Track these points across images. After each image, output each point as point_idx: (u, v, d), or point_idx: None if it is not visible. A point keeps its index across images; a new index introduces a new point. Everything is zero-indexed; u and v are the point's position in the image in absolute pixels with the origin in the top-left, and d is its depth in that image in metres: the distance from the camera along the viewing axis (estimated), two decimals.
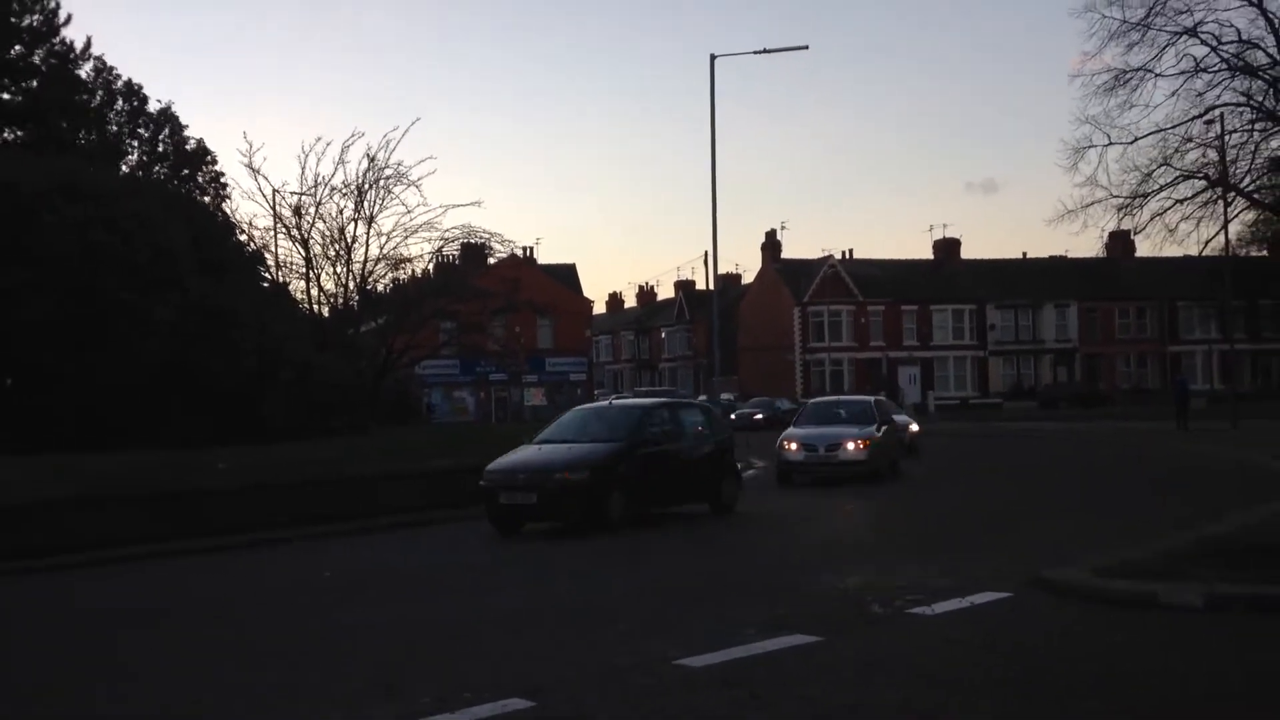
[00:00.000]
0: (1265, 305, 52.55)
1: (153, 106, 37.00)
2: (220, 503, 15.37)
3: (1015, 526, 14.03)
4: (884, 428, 22.06)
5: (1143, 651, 7.26)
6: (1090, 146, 39.32)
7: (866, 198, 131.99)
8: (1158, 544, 10.55)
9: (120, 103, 36.43)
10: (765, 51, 29.47)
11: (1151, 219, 38.98)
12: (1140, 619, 8.10)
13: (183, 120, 37.63)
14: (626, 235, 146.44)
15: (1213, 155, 37.44)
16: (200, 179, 36.65)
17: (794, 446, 21.31)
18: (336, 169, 36.22)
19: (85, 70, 35.83)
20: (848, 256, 73.26)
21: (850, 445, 20.89)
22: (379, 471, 17.74)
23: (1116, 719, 5.78)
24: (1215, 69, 37.68)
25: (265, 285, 31.80)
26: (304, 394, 26.52)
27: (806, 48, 30.82)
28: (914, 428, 29.36)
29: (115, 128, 36.40)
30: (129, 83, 36.69)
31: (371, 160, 32.12)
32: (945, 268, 73.19)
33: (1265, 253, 43.27)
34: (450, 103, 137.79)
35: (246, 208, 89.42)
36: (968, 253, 75.35)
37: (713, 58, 29.63)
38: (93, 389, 22.86)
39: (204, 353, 24.70)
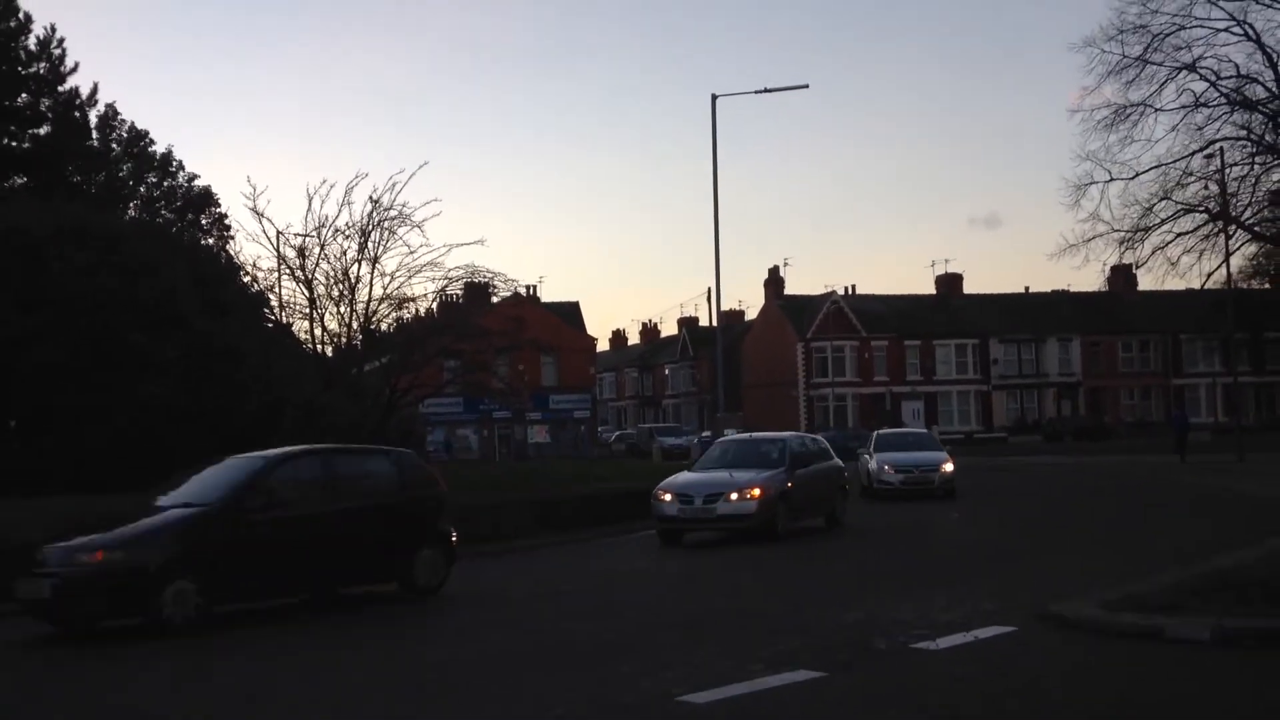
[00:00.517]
0: (1268, 338, 52.56)
1: (158, 150, 37.47)
2: None
3: (1020, 560, 14.01)
4: (802, 470, 18.34)
5: (1151, 685, 7.25)
6: (1091, 183, 39.54)
7: (869, 234, 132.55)
8: (1163, 577, 10.53)
9: (125, 148, 36.88)
10: (766, 91, 29.78)
11: (1153, 253, 39.13)
12: (1147, 652, 8.09)
13: (186, 164, 38.19)
14: (630, 273, 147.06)
15: (1213, 189, 37.66)
16: (204, 222, 36.99)
17: (668, 497, 17.47)
18: (341, 210, 36.28)
19: (93, 115, 36.32)
20: (851, 292, 73.47)
21: (734, 496, 16.98)
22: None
23: None
24: (1215, 103, 37.98)
25: (269, 325, 31.91)
26: (310, 434, 26.51)
27: (807, 86, 31.17)
28: (947, 467, 25.74)
29: (122, 173, 36.80)
30: (133, 128, 37.18)
31: (376, 203, 32.29)
32: (948, 302, 73.37)
33: (1267, 285, 43.41)
34: (454, 141, 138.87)
35: (250, 249, 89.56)
36: (970, 287, 75.57)
37: (714, 97, 29.95)
38: (99, 431, 22.92)
39: (210, 393, 24.78)
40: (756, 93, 29.80)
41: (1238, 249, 39.47)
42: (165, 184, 37.17)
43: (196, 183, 37.83)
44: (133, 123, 37.83)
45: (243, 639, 10.35)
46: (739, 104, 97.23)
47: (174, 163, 37.31)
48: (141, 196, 37.00)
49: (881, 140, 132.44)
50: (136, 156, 37.13)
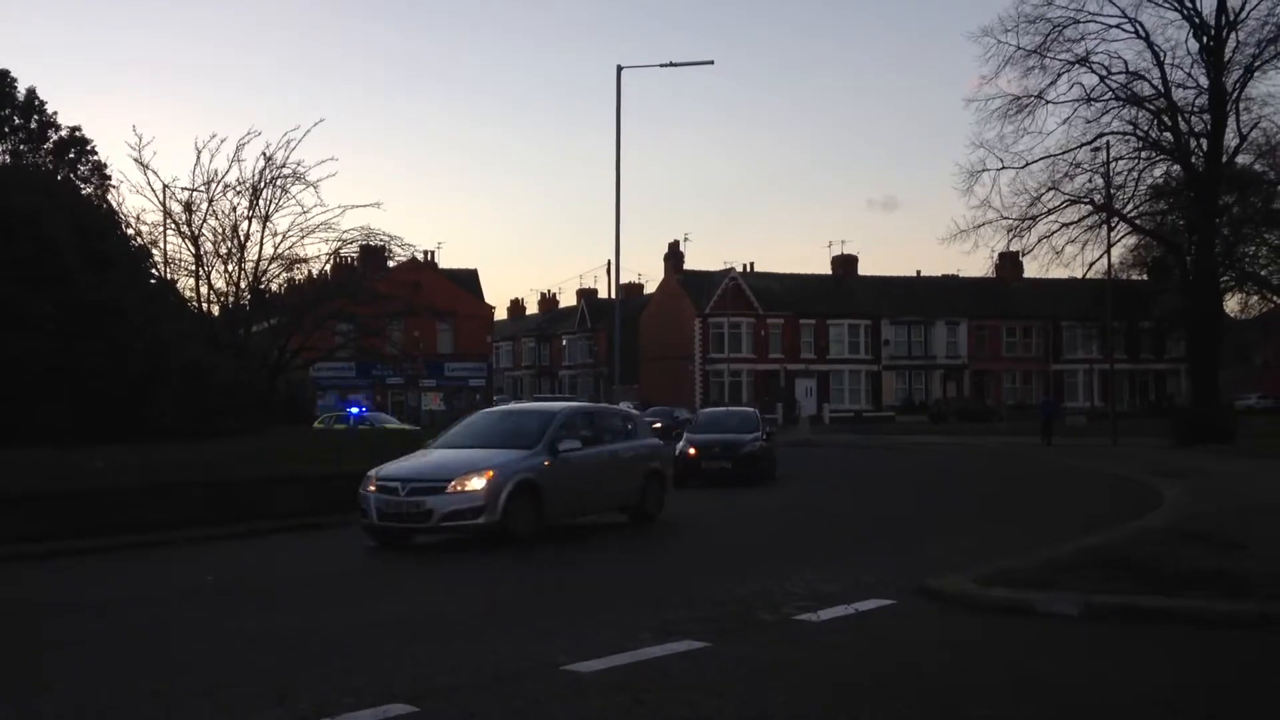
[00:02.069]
0: (1144, 327, 54.76)
1: (19, 91, 35.26)
2: (96, 504, 14.82)
3: (901, 539, 14.35)
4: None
5: (1021, 658, 7.49)
6: (984, 170, 40.68)
7: (769, 212, 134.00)
8: (1036, 554, 10.88)
9: None
10: (671, 65, 29.71)
11: (1039, 241, 40.46)
12: (1019, 626, 8.35)
13: (53, 107, 36.21)
14: (530, 243, 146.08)
15: (1099, 181, 38.99)
16: (81, 169, 35.30)
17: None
18: (231, 166, 35.37)
19: None
20: (749, 270, 74.19)
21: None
22: (265, 475, 17.28)
23: None
24: (1104, 98, 39.30)
25: (153, 281, 30.84)
26: (194, 394, 25.72)
27: (712, 63, 31.27)
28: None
29: None
30: None
31: (269, 159, 31.48)
32: (843, 283, 74.68)
33: (1145, 277, 45.12)
34: (353, 105, 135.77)
35: (134, 202, 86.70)
36: (865, 269, 77.08)
37: (619, 69, 29.78)
38: None
39: (90, 351, 23.80)
40: (662, 66, 29.73)
41: (1119, 240, 40.99)
42: (31, 125, 35.11)
43: (64, 123, 35.83)
44: (5, 70, 35.72)
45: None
46: (644, 77, 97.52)
47: (37, 102, 35.29)
48: (7, 140, 35.00)
49: (784, 120, 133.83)
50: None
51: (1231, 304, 44.24)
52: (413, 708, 6.06)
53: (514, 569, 12.12)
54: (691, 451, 23.56)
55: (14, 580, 12.07)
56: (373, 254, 37.29)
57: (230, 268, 31.93)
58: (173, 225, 31.25)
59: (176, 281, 32.15)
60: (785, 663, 7.24)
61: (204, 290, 32.02)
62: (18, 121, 35.30)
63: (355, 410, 40.97)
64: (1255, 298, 43.37)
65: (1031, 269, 56.99)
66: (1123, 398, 63.63)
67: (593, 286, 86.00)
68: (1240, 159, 39.07)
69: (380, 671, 7.00)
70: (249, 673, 7.12)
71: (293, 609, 9.67)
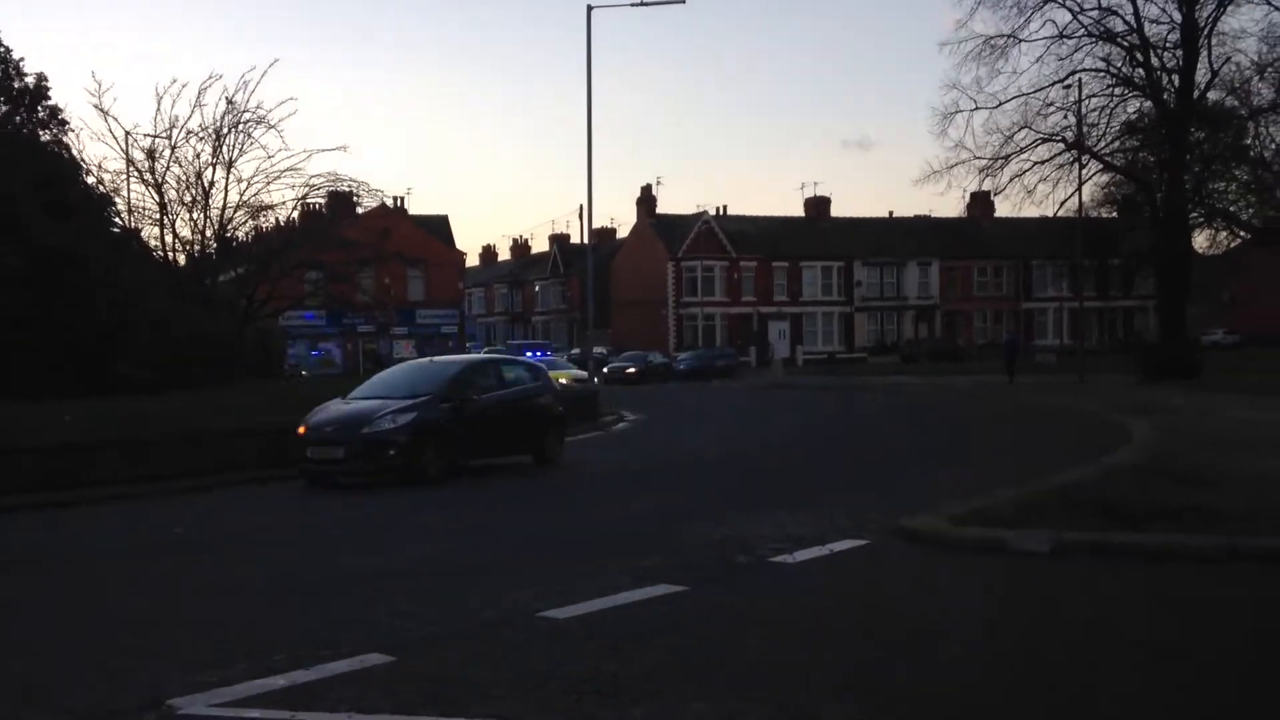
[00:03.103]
0: (1113, 264, 55.08)
1: None
2: (65, 458, 14.67)
3: (874, 477, 14.43)
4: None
5: (994, 595, 7.56)
6: (958, 111, 40.54)
7: (742, 154, 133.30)
8: (1007, 493, 10.97)
9: None
10: (642, 4, 29.27)
11: (1011, 180, 40.50)
12: (992, 564, 8.42)
13: (14, 54, 35.07)
14: (501, 188, 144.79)
15: (1071, 119, 38.94)
16: (39, 115, 34.43)
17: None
18: (193, 111, 34.64)
19: None
20: (722, 213, 73.93)
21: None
22: (226, 427, 17.13)
23: (975, 660, 5.97)
24: (1077, 35, 39.13)
25: (116, 230, 30.33)
26: (162, 346, 25.43)
27: (684, 1, 30.71)
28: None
29: None
30: None
31: (230, 102, 30.86)
32: (816, 225, 74.58)
33: (1115, 214, 45.26)
34: (316, 49, 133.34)
35: (94, 150, 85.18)
36: (838, 210, 76.98)
37: (589, 8, 29.32)
38: None
39: (54, 303, 23.43)
40: (633, 4, 29.28)
41: (1090, 178, 41.08)
42: None
43: (25, 70, 34.85)
44: None
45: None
46: (615, 16, 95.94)
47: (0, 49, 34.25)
48: None
49: (758, 61, 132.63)
50: None
51: (1200, 240, 44.55)
52: (389, 657, 6.03)
53: (473, 516, 12.13)
54: (299, 430, 15.43)
55: None
56: (341, 200, 36.82)
57: (195, 216, 31.46)
58: (135, 173, 30.69)
59: (141, 231, 31.66)
60: (762, 605, 7.27)
61: (169, 239, 31.57)
62: None
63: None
64: (1224, 234, 43.64)
65: (1004, 208, 57.24)
66: (1092, 335, 64.15)
67: (565, 232, 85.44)
68: (1211, 95, 39.10)
69: (354, 622, 6.95)
70: (219, 625, 7.07)
71: (260, 560, 9.62)
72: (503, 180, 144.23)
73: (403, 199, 63.87)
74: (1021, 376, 39.80)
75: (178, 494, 14.55)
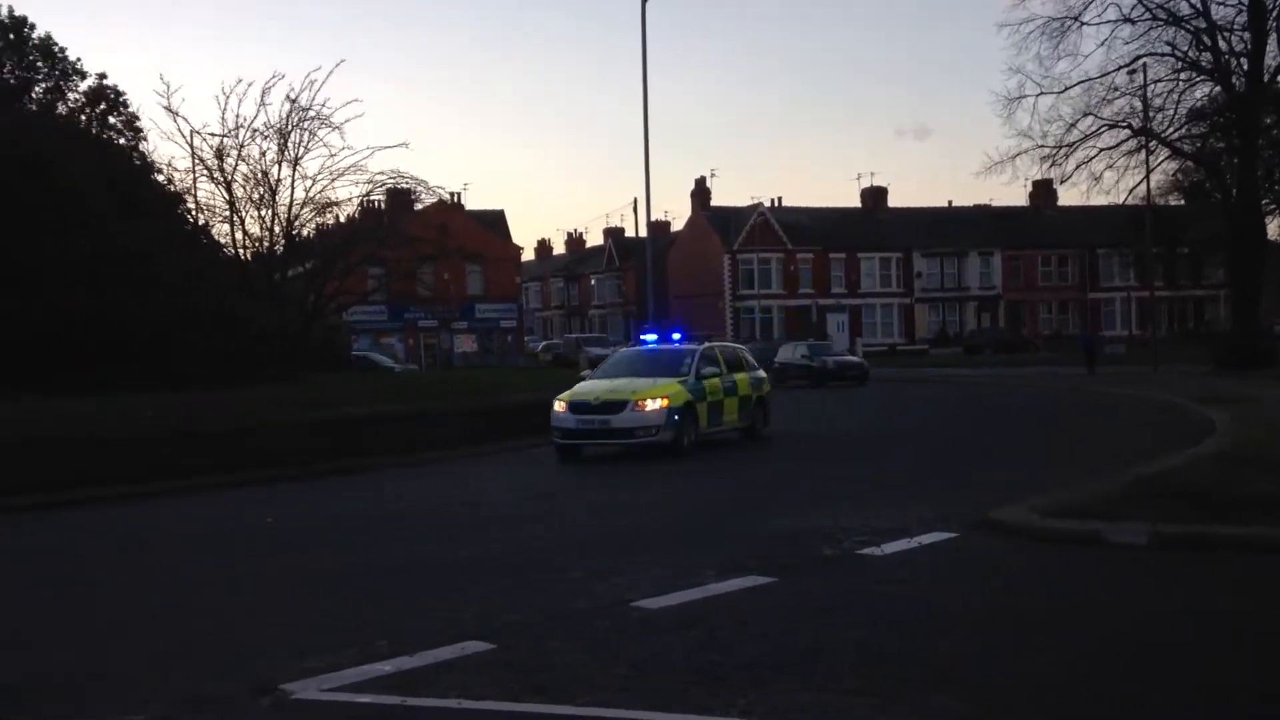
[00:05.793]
0: (1182, 252, 53.90)
1: (35, 36, 34.72)
2: (151, 449, 15.04)
3: (955, 471, 14.25)
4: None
5: (1094, 587, 7.41)
6: (1023, 96, 39.78)
7: (796, 145, 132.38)
8: (1094, 484, 10.76)
9: (3, 35, 34.18)
10: None
11: (1077, 168, 39.66)
12: (1086, 557, 8.27)
13: (74, 54, 35.66)
14: (555, 182, 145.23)
15: (1138, 105, 38.11)
16: (113, 119, 35.10)
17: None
18: (259, 111, 35.12)
19: None
20: (777, 204, 73.45)
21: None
22: (316, 419, 17.41)
23: (1079, 651, 5.86)
24: (1143, 18, 38.27)
25: (186, 229, 30.84)
26: (230, 341, 25.82)
27: None
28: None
29: (9, 65, 34.32)
30: (13, 14, 34.33)
31: (294, 102, 31.24)
32: (873, 216, 73.86)
33: (1183, 201, 44.27)
34: (375, 46, 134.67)
35: (164, 149, 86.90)
36: (895, 201, 76.16)
37: (644, 0, 29.25)
38: (13, 333, 21.97)
39: (124, 299, 23.89)
40: None
41: (1158, 165, 40.17)
42: (56, 72, 34.62)
43: (89, 70, 35.44)
44: (10, 8, 35.15)
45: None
46: (669, 8, 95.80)
47: (57, 49, 34.87)
48: (31, 89, 34.66)
49: (811, 50, 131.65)
50: (15, 46, 34.58)
51: (1273, 227, 43.42)
52: (489, 644, 6.07)
53: (566, 507, 12.16)
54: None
55: (91, 517, 12.24)
56: (401, 197, 37.16)
57: (263, 212, 31.89)
58: (204, 172, 31.19)
59: (211, 228, 32.17)
60: (855, 597, 7.20)
61: (238, 236, 32.04)
62: (42, 69, 34.96)
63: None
64: None
65: (1069, 196, 56.15)
66: (1161, 324, 62.86)
67: (619, 225, 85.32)
68: None
69: (452, 609, 7.01)
70: (320, 611, 7.15)
71: (355, 549, 9.71)
72: (556, 174, 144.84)
73: (459, 194, 64.27)
74: (1096, 367, 39.20)
75: (267, 483, 14.93)
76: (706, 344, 20.03)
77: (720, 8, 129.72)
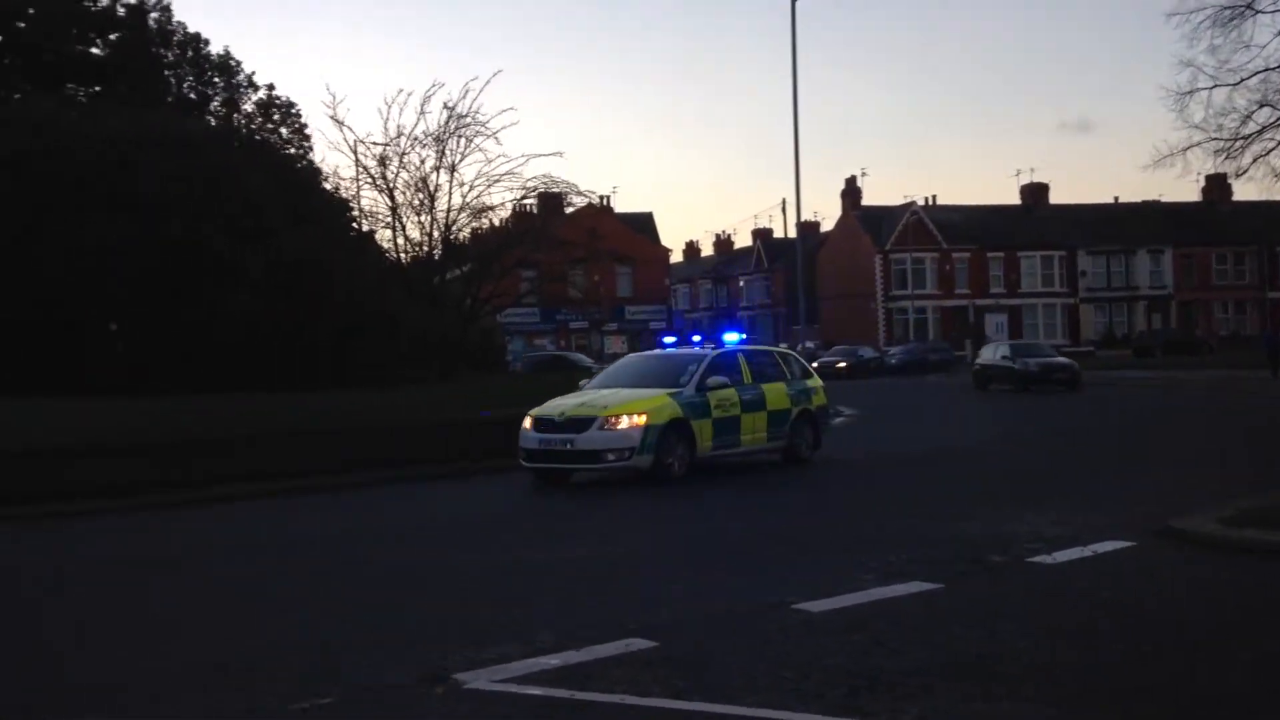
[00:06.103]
0: None
1: (212, 53, 36.70)
2: (331, 443, 16.01)
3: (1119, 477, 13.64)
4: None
5: None
6: (1196, 89, 37.80)
7: (949, 142, 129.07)
8: (1275, 494, 10.14)
9: (182, 51, 36.21)
10: None
11: (1254, 161, 37.47)
12: (1274, 568, 7.79)
13: (248, 68, 37.55)
14: (702, 183, 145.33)
15: None
16: (284, 130, 36.83)
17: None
18: (418, 119, 36.30)
19: (151, 20, 35.55)
20: (931, 203, 71.81)
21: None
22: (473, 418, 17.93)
23: (1267, 667, 5.52)
24: None
25: (351, 235, 32.10)
26: (393, 344, 26.77)
27: None
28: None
29: (189, 80, 36.40)
30: (187, 31, 36.27)
31: (451, 110, 32.14)
32: (1033, 213, 71.40)
33: None
34: (526, 51, 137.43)
35: (330, 158, 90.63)
36: (1056, 197, 73.41)
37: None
38: (186, 340, 23.28)
39: (294, 304, 25.00)
40: None
41: None
42: (231, 85, 36.53)
43: (258, 82, 37.28)
44: (196, 31, 37.17)
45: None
46: (818, 5, 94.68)
47: (233, 63, 36.79)
48: (210, 103, 36.64)
49: (964, 43, 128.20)
50: (194, 62, 36.57)
51: None
52: (651, 642, 6.10)
53: (699, 509, 12.15)
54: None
55: (272, 510, 12.90)
56: (552, 201, 37.81)
57: (423, 218, 32.91)
58: (368, 180, 32.39)
59: (375, 233, 33.39)
60: (1027, 605, 6.96)
61: (400, 241, 33.16)
62: (219, 83, 36.94)
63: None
64: None
65: (1245, 191, 53.09)
66: None
67: (768, 226, 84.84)
68: None
69: (608, 608, 7.09)
70: (484, 606, 7.32)
71: (498, 548, 9.84)
72: (703, 176, 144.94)
73: (608, 197, 65.07)
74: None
75: (418, 481, 15.43)
76: (745, 348, 16.50)
77: (871, 3, 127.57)
